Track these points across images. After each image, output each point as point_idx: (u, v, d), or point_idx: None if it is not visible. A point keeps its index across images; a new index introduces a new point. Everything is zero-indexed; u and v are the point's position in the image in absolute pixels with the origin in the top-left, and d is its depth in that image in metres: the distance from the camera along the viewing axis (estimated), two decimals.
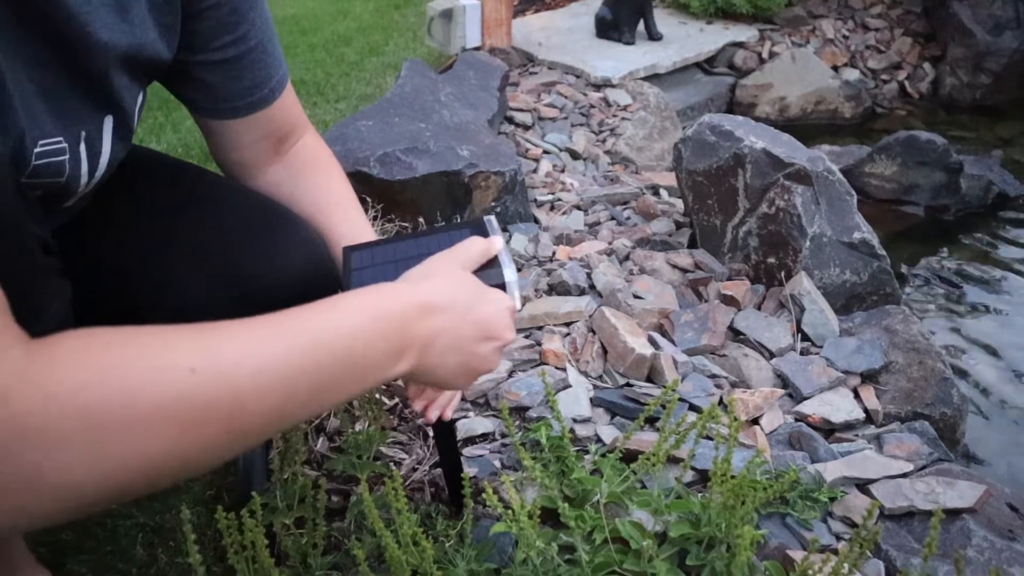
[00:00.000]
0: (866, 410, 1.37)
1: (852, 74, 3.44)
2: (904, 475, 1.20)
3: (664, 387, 1.18)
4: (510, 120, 2.63)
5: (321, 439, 1.28)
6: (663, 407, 1.06)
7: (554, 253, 1.79)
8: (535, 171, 2.32)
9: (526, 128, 2.61)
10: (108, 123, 0.78)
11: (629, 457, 1.13)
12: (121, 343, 0.52)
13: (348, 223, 0.98)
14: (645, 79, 3.05)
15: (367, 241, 0.92)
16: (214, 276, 0.89)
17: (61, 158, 0.72)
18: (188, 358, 0.53)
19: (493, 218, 0.90)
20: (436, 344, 0.71)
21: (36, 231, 0.64)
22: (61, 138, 0.72)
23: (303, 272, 0.93)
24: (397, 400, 1.35)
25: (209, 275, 0.89)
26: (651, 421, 1.27)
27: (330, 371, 0.61)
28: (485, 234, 0.86)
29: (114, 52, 0.74)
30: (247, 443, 0.58)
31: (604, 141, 2.64)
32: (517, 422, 1.29)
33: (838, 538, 1.11)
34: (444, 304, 0.72)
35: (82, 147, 0.75)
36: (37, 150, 0.70)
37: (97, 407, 0.48)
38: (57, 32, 0.68)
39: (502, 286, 0.81)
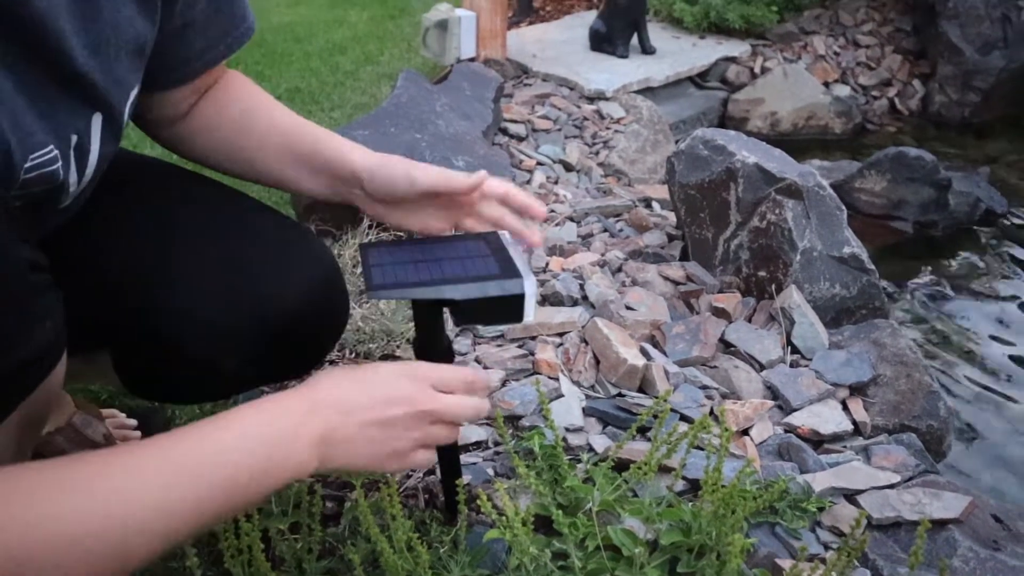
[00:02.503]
0: (854, 422, 1.39)
1: (843, 90, 3.47)
2: (891, 486, 1.22)
3: (656, 397, 1.19)
4: (504, 131, 2.65)
5: None
6: (655, 417, 1.08)
7: (547, 264, 1.81)
8: (529, 182, 2.33)
9: (520, 139, 2.63)
10: (97, 121, 0.76)
11: (621, 466, 1.14)
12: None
13: (278, 117, 0.97)
14: (638, 92, 3.07)
15: (382, 241, 0.93)
16: (231, 294, 0.89)
17: (54, 167, 0.71)
18: (70, 529, 0.55)
19: (507, 233, 0.92)
20: (334, 439, 0.71)
21: (22, 253, 0.64)
22: (52, 146, 0.70)
23: (316, 288, 0.94)
24: None
25: (227, 293, 0.89)
26: (643, 431, 1.29)
27: (214, 503, 0.63)
28: (500, 245, 0.88)
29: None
30: (134, 568, 0.61)
31: (597, 153, 2.66)
32: (511, 431, 1.30)
33: (826, 547, 1.12)
34: (332, 401, 0.72)
35: (72, 152, 0.74)
36: (27, 164, 0.68)
37: None
38: (32, 36, 0.66)
39: (521, 297, 0.83)
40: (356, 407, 0.73)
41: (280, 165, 0.96)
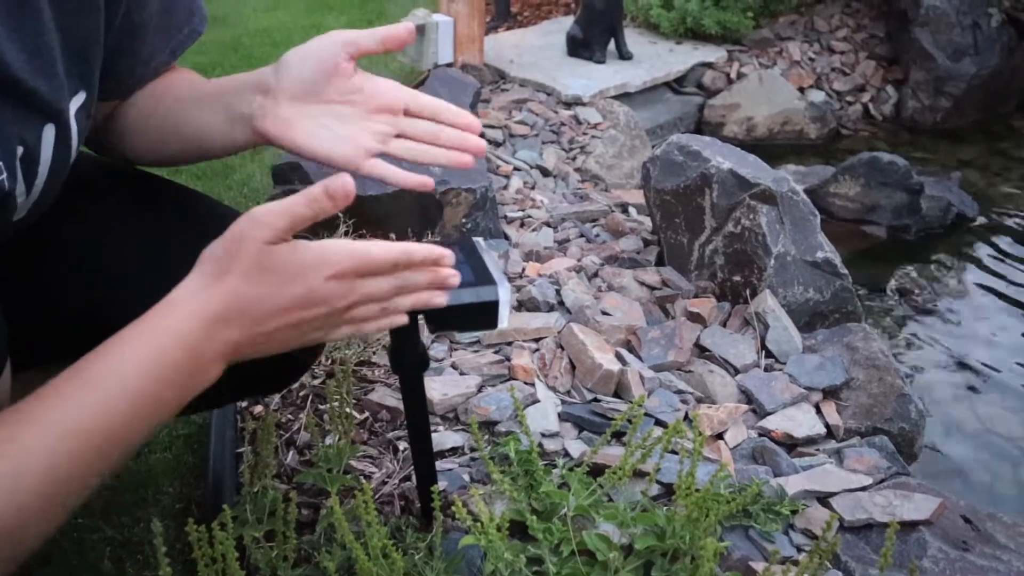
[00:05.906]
0: (827, 425, 1.41)
1: (818, 96, 3.50)
2: (863, 488, 1.23)
3: (631, 402, 1.20)
4: (481, 137, 2.64)
5: (291, 452, 1.28)
6: (630, 422, 1.09)
7: (524, 269, 1.81)
8: (506, 188, 2.34)
9: (497, 145, 2.64)
10: (49, 132, 0.71)
11: (596, 471, 1.15)
12: None
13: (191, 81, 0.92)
14: (615, 97, 3.08)
15: None
16: None
17: None
18: None
19: (481, 240, 0.92)
20: (244, 346, 0.68)
21: None
22: None
23: None
24: (367, 414, 1.36)
25: None
26: (618, 436, 1.29)
27: (127, 428, 0.62)
28: (474, 252, 0.88)
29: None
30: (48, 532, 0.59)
31: (574, 159, 2.67)
32: (486, 436, 1.30)
33: (799, 550, 1.14)
34: (242, 309, 0.67)
35: (18, 163, 0.69)
36: None
37: None
38: None
39: (495, 304, 0.83)
40: (268, 315, 0.68)
41: (189, 125, 0.88)
